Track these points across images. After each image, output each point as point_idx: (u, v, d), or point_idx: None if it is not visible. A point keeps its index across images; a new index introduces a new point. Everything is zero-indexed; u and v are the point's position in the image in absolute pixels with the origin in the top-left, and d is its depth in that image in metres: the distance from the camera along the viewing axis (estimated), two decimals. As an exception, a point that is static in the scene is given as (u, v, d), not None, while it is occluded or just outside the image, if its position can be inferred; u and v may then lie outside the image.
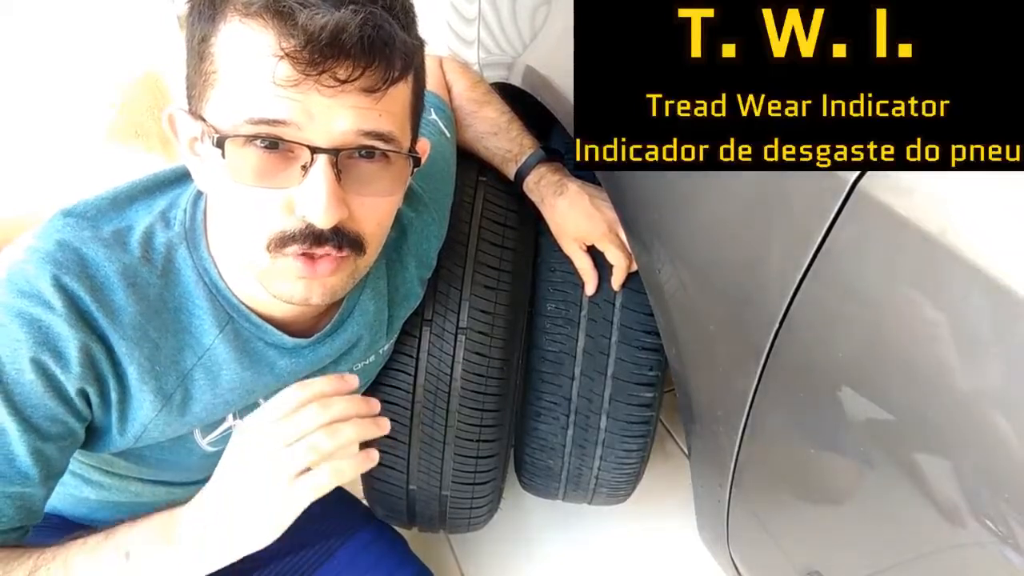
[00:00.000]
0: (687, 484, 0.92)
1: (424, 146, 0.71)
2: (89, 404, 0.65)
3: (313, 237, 0.61)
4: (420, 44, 0.65)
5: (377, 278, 0.80)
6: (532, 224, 0.98)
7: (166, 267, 0.67)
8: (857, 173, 0.53)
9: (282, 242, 0.61)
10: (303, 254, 0.61)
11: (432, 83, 0.97)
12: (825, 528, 0.69)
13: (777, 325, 0.62)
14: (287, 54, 0.55)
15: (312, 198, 0.58)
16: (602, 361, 0.97)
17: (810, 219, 0.57)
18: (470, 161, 0.98)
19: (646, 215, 0.80)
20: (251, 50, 0.56)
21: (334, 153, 0.58)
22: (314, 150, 0.58)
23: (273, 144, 0.58)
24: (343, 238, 0.62)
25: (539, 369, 1.00)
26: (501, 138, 0.97)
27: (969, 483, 0.50)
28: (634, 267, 0.92)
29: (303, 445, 0.59)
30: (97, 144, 2.02)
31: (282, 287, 0.64)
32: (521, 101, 1.00)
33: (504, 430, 0.97)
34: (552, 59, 0.95)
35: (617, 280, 0.93)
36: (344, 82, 0.56)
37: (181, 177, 0.72)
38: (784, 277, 0.60)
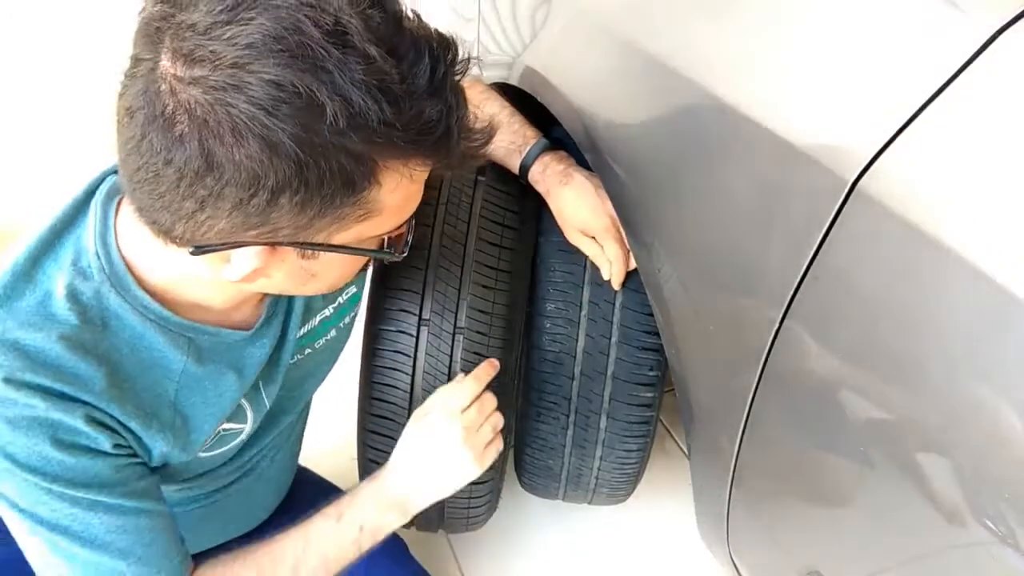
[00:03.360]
0: (687, 484, 0.92)
1: None
2: (130, 446, 0.68)
3: None
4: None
5: None
6: (531, 224, 0.98)
7: (104, 319, 0.65)
8: (857, 173, 0.53)
9: None
10: None
11: None
12: (825, 528, 0.69)
13: (777, 325, 0.62)
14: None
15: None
16: (602, 361, 0.97)
17: (810, 219, 0.57)
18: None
19: (645, 214, 0.80)
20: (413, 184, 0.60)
21: None
22: None
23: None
24: None
25: (539, 369, 1.00)
26: (504, 132, 0.97)
27: (969, 483, 0.50)
28: (633, 265, 0.92)
29: (488, 427, 0.88)
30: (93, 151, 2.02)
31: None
32: (521, 101, 1.00)
33: (503, 429, 0.97)
34: (552, 59, 0.95)
35: (616, 276, 0.93)
36: None
37: (73, 217, 0.67)
38: (784, 277, 0.60)
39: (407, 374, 0.91)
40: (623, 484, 1.10)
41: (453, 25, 1.32)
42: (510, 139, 0.96)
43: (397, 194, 0.58)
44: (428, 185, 0.93)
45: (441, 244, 0.91)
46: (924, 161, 0.50)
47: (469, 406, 0.86)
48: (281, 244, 0.59)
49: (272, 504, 1.03)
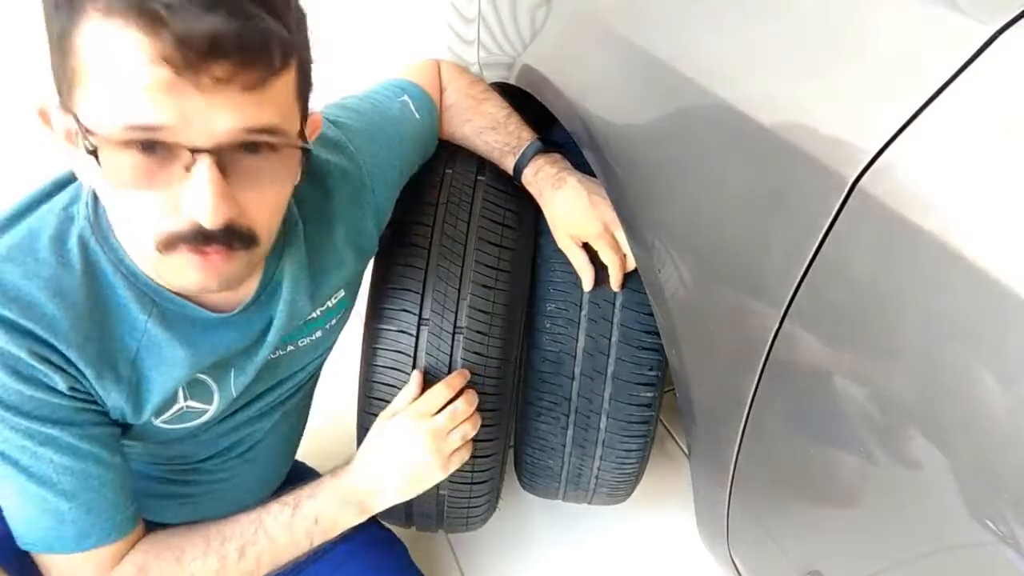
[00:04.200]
0: (687, 484, 0.92)
1: (316, 122, 0.70)
2: (88, 392, 0.68)
3: (202, 237, 0.59)
4: (300, 21, 0.61)
5: (295, 246, 0.78)
6: (531, 223, 0.98)
7: (85, 265, 0.66)
8: (857, 173, 0.53)
9: (170, 242, 0.60)
10: (191, 251, 0.60)
11: (425, 84, 0.97)
12: (825, 528, 0.69)
13: (777, 325, 0.62)
14: (162, 58, 0.52)
15: (198, 198, 0.57)
16: (602, 361, 0.97)
17: (810, 218, 0.57)
18: (468, 160, 0.98)
19: (646, 214, 0.80)
20: (119, 52, 0.52)
21: (217, 152, 0.56)
22: (195, 151, 0.56)
23: (150, 146, 0.55)
24: (233, 236, 0.61)
25: (539, 369, 1.00)
26: (499, 132, 0.97)
27: (969, 483, 0.50)
28: (630, 267, 0.92)
29: (457, 433, 0.88)
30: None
31: (176, 279, 0.64)
32: (521, 101, 1.00)
33: (502, 429, 0.97)
34: (552, 59, 0.95)
35: (614, 280, 0.93)
36: (222, 81, 0.54)
37: None
38: (784, 277, 0.60)
39: (407, 374, 0.91)
40: (623, 484, 1.10)
41: (453, 25, 1.32)
42: (505, 140, 0.96)
43: (97, 56, 0.53)
44: (427, 185, 0.95)
45: (441, 244, 0.91)
46: (925, 160, 0.50)
47: (439, 412, 0.87)
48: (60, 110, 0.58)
49: (259, 492, 1.01)
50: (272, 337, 0.79)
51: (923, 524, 0.54)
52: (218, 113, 0.55)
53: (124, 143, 0.55)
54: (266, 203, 0.63)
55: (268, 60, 0.56)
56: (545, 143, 0.96)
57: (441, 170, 0.96)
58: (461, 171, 0.96)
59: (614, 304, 0.96)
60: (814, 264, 0.57)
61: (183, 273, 0.62)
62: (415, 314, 0.90)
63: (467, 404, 0.89)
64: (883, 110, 0.53)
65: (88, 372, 0.66)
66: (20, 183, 0.72)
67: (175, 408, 0.76)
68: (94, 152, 0.55)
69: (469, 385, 0.91)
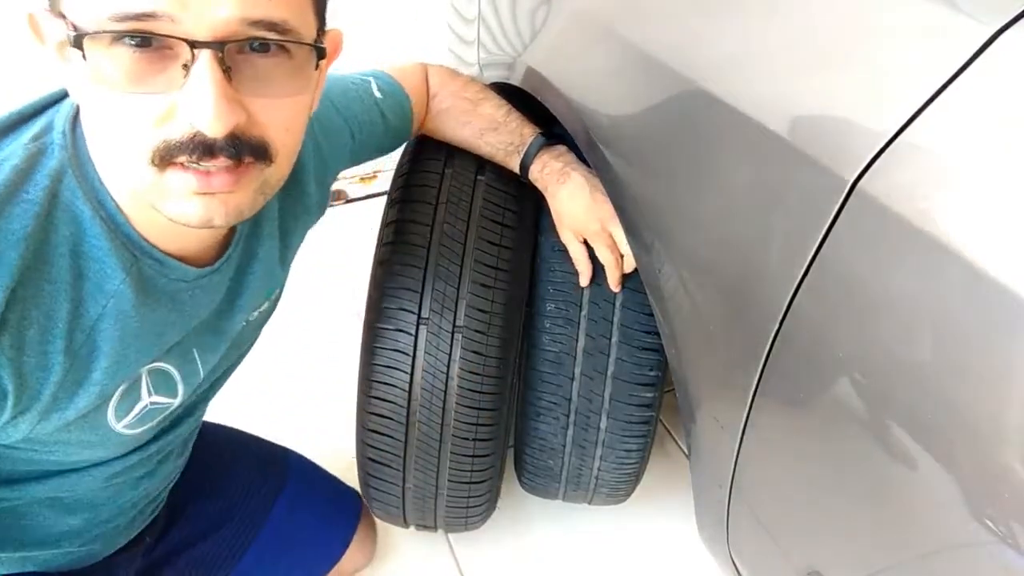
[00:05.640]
0: (687, 484, 0.92)
1: (336, 38, 0.63)
2: None
3: (203, 147, 0.52)
4: None
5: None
6: (530, 223, 0.98)
7: (51, 204, 0.57)
8: (857, 173, 0.53)
9: (167, 154, 0.52)
10: (193, 168, 0.53)
11: (408, 85, 0.95)
12: (825, 528, 0.68)
13: (777, 325, 0.62)
14: None
15: (198, 101, 0.50)
16: (602, 361, 0.97)
17: (810, 219, 0.57)
18: (467, 159, 0.98)
19: (646, 214, 0.80)
20: None
21: (219, 47, 0.50)
22: (194, 44, 0.49)
23: (145, 41, 0.49)
24: (242, 146, 0.53)
25: (539, 369, 1.00)
26: (502, 132, 0.96)
27: (969, 483, 0.50)
28: (628, 267, 0.92)
29: None
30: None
31: (176, 207, 0.55)
32: (521, 101, 1.00)
33: (501, 429, 0.97)
34: (552, 59, 0.95)
35: (611, 279, 0.93)
36: None
37: (56, 99, 0.62)
38: (784, 277, 0.60)
39: (406, 373, 0.91)
40: (623, 484, 1.10)
41: (453, 25, 1.32)
42: (508, 139, 0.96)
43: None
44: (427, 184, 0.95)
45: (440, 243, 0.91)
46: (924, 161, 0.50)
47: None
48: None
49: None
50: (245, 300, 0.73)
51: (923, 524, 0.54)
52: (218, 0, 0.49)
53: (115, 38, 0.49)
54: (278, 114, 0.56)
55: None
56: (548, 137, 0.96)
57: (440, 169, 0.96)
58: (460, 170, 0.96)
59: (614, 304, 0.96)
60: (814, 264, 0.57)
61: (183, 200, 0.54)
62: (414, 313, 0.90)
63: None
64: (883, 110, 0.53)
65: (30, 334, 0.56)
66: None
67: (139, 407, 0.69)
68: (79, 46, 0.49)
69: (468, 384, 0.91)
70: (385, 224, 0.95)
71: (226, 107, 0.50)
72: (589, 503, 1.15)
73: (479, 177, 0.96)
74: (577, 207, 0.91)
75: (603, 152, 0.84)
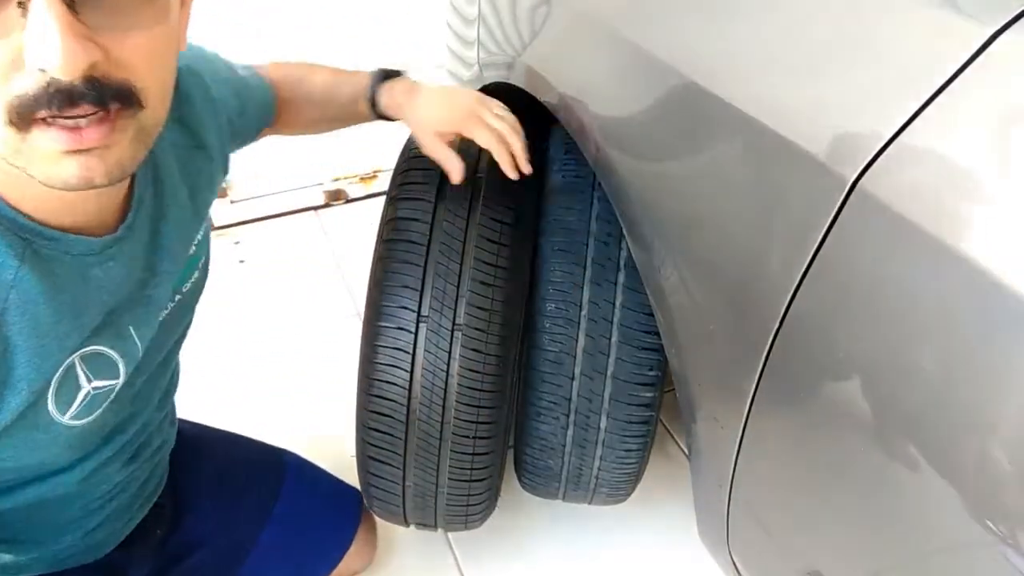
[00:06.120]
0: (687, 484, 0.92)
1: None
2: None
3: (61, 96, 0.46)
4: None
5: (160, 146, 0.67)
6: (530, 221, 0.98)
7: None
8: (857, 172, 0.53)
9: (24, 110, 0.47)
10: (59, 123, 0.47)
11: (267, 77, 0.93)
12: (825, 528, 0.68)
13: (777, 325, 0.62)
14: None
15: (41, 41, 0.44)
16: (602, 361, 0.97)
17: (810, 219, 0.57)
18: (466, 156, 0.98)
19: (646, 214, 0.80)
20: None
21: None
22: None
23: None
24: (104, 90, 0.48)
25: (539, 369, 1.00)
26: (343, 88, 0.94)
27: (969, 483, 0.50)
28: (518, 149, 0.89)
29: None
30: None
31: (50, 170, 0.50)
32: (521, 101, 1.00)
33: (500, 427, 0.97)
34: (552, 59, 0.95)
35: (503, 163, 0.89)
36: None
37: None
38: (784, 276, 0.60)
39: (406, 371, 0.91)
40: (623, 484, 1.10)
41: (453, 25, 1.32)
42: (350, 91, 0.94)
43: None
44: (426, 182, 0.95)
45: (440, 241, 0.91)
46: (924, 160, 0.50)
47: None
48: None
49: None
50: (167, 264, 0.69)
51: (923, 524, 0.54)
52: None
53: None
54: (138, 50, 0.49)
55: None
56: (386, 72, 0.94)
57: (440, 167, 0.96)
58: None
59: (614, 304, 0.96)
60: (814, 264, 0.57)
61: (55, 161, 0.49)
62: (414, 311, 0.90)
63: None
64: (883, 110, 0.53)
65: None
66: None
67: (82, 395, 0.65)
68: None
69: (468, 382, 0.91)
70: (385, 222, 0.95)
71: (74, 43, 0.44)
72: (589, 503, 1.15)
73: (478, 175, 0.96)
74: (437, 108, 0.89)
75: (603, 152, 0.84)
